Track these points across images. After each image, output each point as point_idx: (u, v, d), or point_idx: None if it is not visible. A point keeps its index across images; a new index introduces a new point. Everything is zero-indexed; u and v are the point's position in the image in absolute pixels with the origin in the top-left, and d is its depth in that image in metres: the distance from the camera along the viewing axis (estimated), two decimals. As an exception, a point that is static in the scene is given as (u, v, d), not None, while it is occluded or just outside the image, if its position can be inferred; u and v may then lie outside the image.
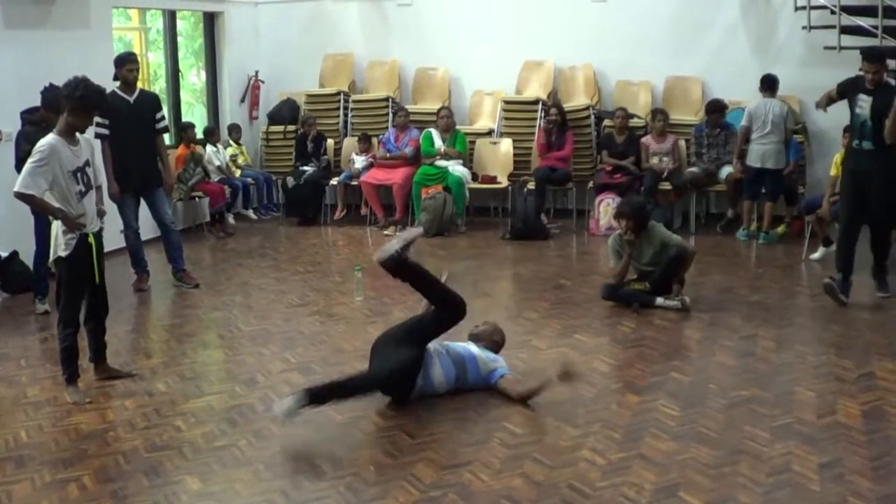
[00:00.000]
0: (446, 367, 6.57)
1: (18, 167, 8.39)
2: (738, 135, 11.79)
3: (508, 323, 8.54)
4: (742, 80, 12.32)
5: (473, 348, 6.80)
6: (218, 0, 13.92)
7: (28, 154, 6.61)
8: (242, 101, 14.47)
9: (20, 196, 6.46)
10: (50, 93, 8.05)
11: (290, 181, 13.42)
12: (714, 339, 7.90)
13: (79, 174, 6.59)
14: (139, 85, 9.87)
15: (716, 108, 12.33)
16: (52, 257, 6.75)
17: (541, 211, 12.45)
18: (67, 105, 6.51)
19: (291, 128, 14.15)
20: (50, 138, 6.49)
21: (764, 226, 11.57)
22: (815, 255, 10.49)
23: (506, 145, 13.35)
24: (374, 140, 13.60)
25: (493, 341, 7.03)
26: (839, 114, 11.55)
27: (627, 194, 11.53)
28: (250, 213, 13.85)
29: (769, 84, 11.66)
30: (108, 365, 7.19)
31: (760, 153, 11.44)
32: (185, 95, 13.89)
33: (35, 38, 10.25)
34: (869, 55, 8.78)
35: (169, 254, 9.97)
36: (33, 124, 8.53)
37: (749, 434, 5.88)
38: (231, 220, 13.41)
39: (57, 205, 6.50)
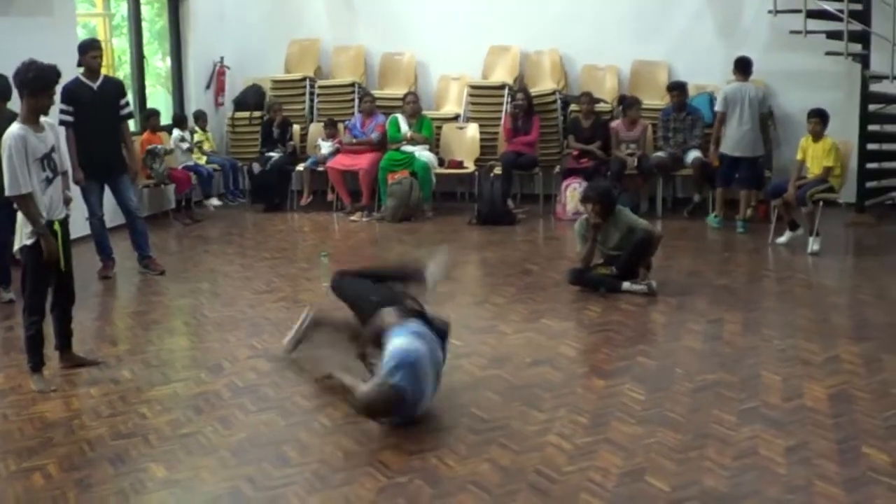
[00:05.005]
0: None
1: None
2: (715, 120, 11.45)
3: (475, 308, 8.56)
4: (707, 64, 12.34)
5: None
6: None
7: None
8: (208, 87, 14.35)
9: (16, 198, 6.43)
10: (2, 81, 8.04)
11: (256, 167, 13.35)
12: (680, 324, 7.93)
13: (45, 161, 6.54)
14: (103, 71, 9.78)
15: (676, 87, 12.31)
16: (17, 245, 6.68)
17: (507, 196, 12.45)
18: (26, 89, 6.45)
19: (257, 114, 14.06)
20: (16, 129, 6.42)
21: (741, 213, 11.36)
22: (782, 239, 10.51)
23: (472, 130, 13.33)
24: (341, 126, 13.54)
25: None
26: (804, 99, 11.66)
27: (594, 179, 11.53)
28: (213, 201, 13.59)
29: (744, 67, 11.37)
30: (73, 353, 7.13)
31: (737, 140, 11.18)
32: (149, 81, 13.77)
33: (-3, 24, 10.15)
34: None
35: (134, 241, 9.90)
36: None
37: (715, 418, 5.90)
38: (214, 203, 13.49)
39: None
